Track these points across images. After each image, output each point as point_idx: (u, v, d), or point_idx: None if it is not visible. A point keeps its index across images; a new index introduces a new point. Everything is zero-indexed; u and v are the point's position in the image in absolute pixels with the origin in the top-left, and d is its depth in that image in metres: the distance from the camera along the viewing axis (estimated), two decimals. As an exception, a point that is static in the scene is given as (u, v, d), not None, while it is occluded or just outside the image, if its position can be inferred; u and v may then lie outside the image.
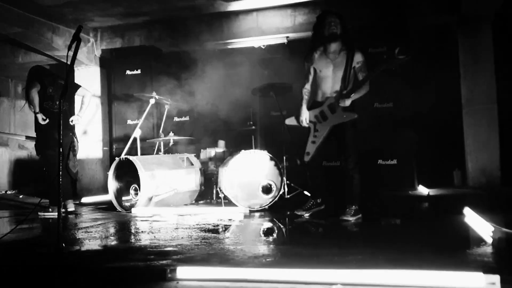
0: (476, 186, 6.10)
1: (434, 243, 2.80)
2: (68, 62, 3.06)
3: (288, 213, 4.40)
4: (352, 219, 3.75)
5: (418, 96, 6.32)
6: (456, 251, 2.50)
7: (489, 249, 2.51)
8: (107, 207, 5.38)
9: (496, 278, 1.77)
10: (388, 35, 6.35)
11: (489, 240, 2.69)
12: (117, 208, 4.96)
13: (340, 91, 3.89)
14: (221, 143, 5.91)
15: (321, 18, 4.03)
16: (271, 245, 2.97)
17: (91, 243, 3.15)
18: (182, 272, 2.08)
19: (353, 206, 3.82)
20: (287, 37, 6.69)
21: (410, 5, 6.29)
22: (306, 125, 4.07)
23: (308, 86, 4.16)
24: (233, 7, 6.63)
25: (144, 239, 3.22)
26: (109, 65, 7.59)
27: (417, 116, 6.23)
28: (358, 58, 3.91)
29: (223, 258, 2.54)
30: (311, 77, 4.14)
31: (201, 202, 5.52)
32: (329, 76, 3.96)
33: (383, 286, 1.85)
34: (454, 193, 5.71)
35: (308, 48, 4.19)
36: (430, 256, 2.38)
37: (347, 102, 3.82)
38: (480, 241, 2.72)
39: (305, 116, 4.07)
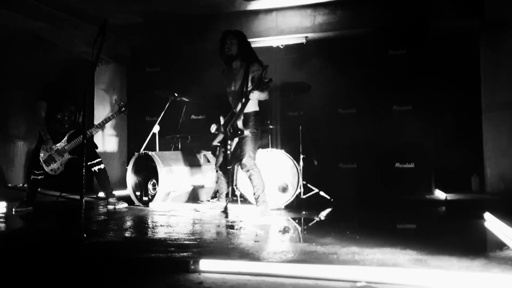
0: (494, 192, 6.02)
1: (454, 245, 2.76)
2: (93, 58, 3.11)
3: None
4: (260, 219, 3.95)
5: (437, 100, 6.28)
6: (478, 254, 2.46)
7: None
8: (124, 201, 5.43)
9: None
10: (408, 37, 6.32)
11: (511, 244, 2.66)
12: (135, 202, 5.01)
13: (236, 111, 4.23)
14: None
15: (220, 42, 4.38)
16: (290, 242, 2.97)
17: (111, 235, 3.18)
18: (205, 264, 2.10)
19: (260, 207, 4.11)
20: (306, 37, 6.67)
21: (431, 8, 6.23)
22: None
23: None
24: (253, 6, 6.64)
25: (164, 232, 3.24)
26: (129, 62, 7.65)
27: (436, 120, 6.17)
28: (254, 68, 4.19)
29: (242, 252, 2.55)
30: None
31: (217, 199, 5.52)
32: (234, 91, 4.33)
33: (408, 286, 1.84)
34: (472, 198, 5.64)
35: None
36: (452, 259, 2.35)
37: (239, 124, 4.14)
38: (502, 246, 2.68)
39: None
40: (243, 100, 4.15)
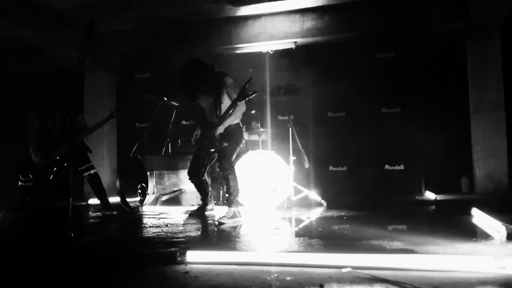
0: (483, 193, 6.06)
1: (441, 237, 2.77)
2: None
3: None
4: (228, 221, 3.72)
5: (426, 102, 6.33)
6: (462, 243, 2.48)
7: (497, 243, 2.51)
8: (114, 207, 5.40)
9: (507, 262, 1.77)
10: (397, 40, 6.39)
11: (497, 235, 2.68)
12: (125, 207, 4.97)
13: (214, 121, 4.13)
14: None
15: (186, 82, 4.31)
16: (277, 237, 2.98)
17: (99, 235, 3.17)
18: (191, 256, 2.10)
19: (232, 209, 3.91)
20: (295, 42, 6.73)
21: (419, 11, 6.32)
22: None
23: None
24: (241, 12, 6.69)
25: (152, 232, 3.23)
26: (118, 68, 7.66)
27: (424, 122, 6.22)
28: (227, 83, 4.16)
29: (230, 246, 2.55)
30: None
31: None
32: (209, 107, 4.28)
33: (392, 269, 1.85)
34: (461, 198, 5.68)
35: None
36: (437, 248, 2.37)
37: (220, 130, 4.04)
38: (488, 236, 2.71)
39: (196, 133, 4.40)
40: (221, 112, 4.10)
